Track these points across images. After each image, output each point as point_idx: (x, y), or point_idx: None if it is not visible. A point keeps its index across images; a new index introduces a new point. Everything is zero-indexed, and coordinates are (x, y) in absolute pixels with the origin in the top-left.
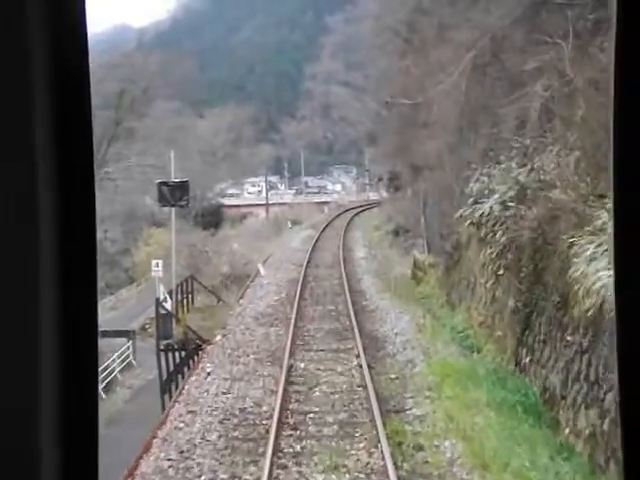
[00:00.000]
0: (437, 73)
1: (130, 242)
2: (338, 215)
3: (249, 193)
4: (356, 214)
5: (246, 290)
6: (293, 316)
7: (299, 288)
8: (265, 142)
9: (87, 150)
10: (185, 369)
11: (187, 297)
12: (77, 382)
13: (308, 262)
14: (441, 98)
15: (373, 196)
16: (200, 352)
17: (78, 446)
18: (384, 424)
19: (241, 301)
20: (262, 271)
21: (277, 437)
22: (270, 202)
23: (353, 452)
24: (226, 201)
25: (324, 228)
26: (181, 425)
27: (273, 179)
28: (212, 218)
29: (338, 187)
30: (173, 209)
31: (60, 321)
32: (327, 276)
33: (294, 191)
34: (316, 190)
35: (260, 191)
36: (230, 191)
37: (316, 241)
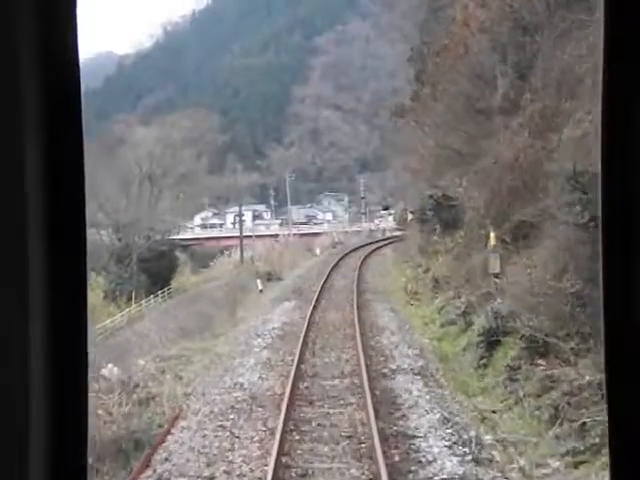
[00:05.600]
0: None
1: None
2: (337, 263)
3: (232, 223)
4: (363, 260)
5: None
6: None
7: None
8: (249, 169)
9: (78, 168)
10: None
11: None
12: (66, 387)
13: None
14: None
15: (369, 226)
16: None
17: (68, 442)
18: None
19: None
20: None
21: None
22: (256, 233)
23: None
24: (206, 233)
25: (317, 297)
26: None
27: (259, 208)
28: (161, 263)
29: (329, 216)
30: None
31: (49, 328)
32: None
33: (280, 221)
34: (304, 220)
35: (244, 221)
36: (212, 221)
37: (303, 348)
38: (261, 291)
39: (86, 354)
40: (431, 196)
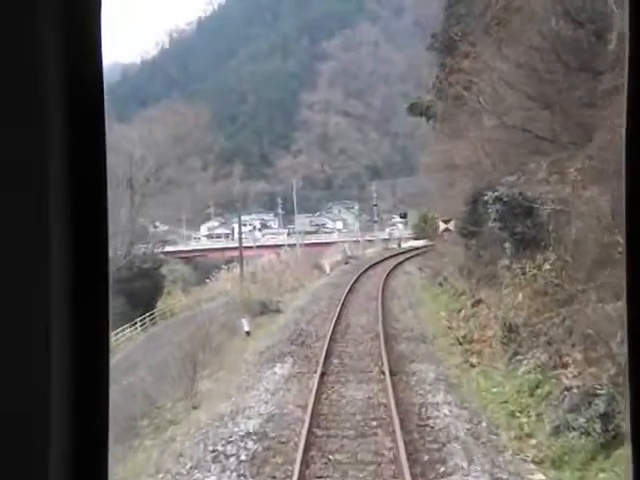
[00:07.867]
0: None
1: None
2: (352, 286)
3: (238, 233)
4: (385, 281)
5: None
6: None
7: None
8: (256, 177)
9: (101, 180)
10: None
11: None
12: (87, 390)
13: None
14: None
15: (382, 235)
16: None
17: (88, 455)
18: None
19: None
20: None
21: None
22: (257, 244)
23: None
24: (212, 244)
25: (326, 353)
26: None
27: (266, 217)
28: (143, 283)
29: (339, 225)
30: None
31: (71, 334)
32: None
33: (287, 230)
34: (313, 229)
35: (252, 230)
36: (218, 231)
37: None
38: (248, 333)
39: (107, 361)
40: (498, 198)
